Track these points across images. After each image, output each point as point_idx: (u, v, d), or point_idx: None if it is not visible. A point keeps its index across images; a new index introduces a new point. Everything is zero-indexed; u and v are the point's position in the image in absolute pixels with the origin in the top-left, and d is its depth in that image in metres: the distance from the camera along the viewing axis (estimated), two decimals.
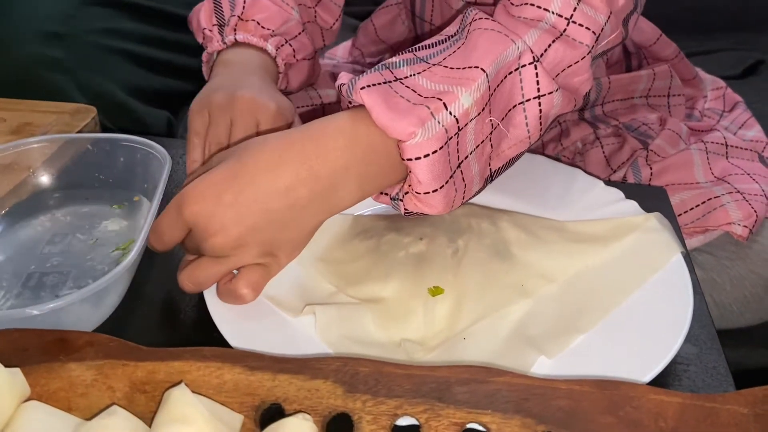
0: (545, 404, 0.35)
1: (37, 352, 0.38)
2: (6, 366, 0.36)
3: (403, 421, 0.36)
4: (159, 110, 1.03)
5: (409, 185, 0.44)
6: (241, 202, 0.43)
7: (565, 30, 0.46)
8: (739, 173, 0.75)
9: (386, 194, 0.47)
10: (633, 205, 0.56)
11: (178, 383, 0.36)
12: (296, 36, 0.64)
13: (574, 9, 0.46)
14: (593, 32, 0.46)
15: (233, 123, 0.53)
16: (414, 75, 0.44)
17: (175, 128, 1.05)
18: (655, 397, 0.35)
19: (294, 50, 0.64)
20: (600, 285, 0.49)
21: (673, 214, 0.60)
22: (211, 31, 0.62)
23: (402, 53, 0.46)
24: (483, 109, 0.44)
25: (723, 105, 0.90)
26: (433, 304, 0.47)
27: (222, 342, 0.43)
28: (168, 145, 0.56)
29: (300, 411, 0.36)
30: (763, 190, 0.73)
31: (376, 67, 0.45)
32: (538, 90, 0.45)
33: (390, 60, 0.45)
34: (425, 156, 0.42)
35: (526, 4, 0.46)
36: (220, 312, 0.46)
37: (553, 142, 0.83)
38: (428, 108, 0.42)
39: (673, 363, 0.44)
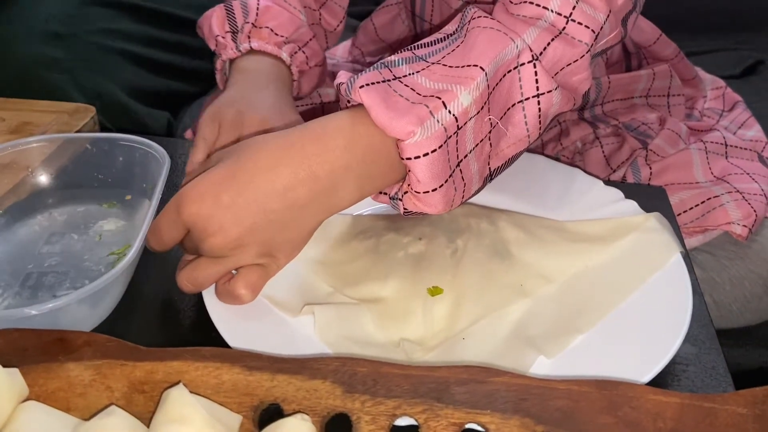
0: (544, 404, 0.35)
1: (35, 352, 0.38)
2: (4, 366, 0.35)
3: (402, 422, 0.36)
4: (159, 111, 1.03)
5: (409, 184, 0.44)
6: (239, 202, 0.43)
7: (564, 28, 0.46)
8: (739, 173, 0.75)
9: (385, 194, 0.46)
10: (632, 204, 0.56)
11: (177, 383, 0.36)
12: (308, 42, 0.65)
13: (573, 7, 0.46)
14: (592, 31, 0.46)
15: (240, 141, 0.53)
16: (413, 74, 0.44)
17: (175, 129, 1.05)
18: (653, 397, 0.35)
19: (307, 57, 0.64)
20: (599, 285, 0.49)
21: (672, 213, 0.60)
22: (224, 38, 0.62)
23: (401, 52, 0.46)
24: (482, 107, 0.44)
25: (722, 105, 0.90)
26: (432, 304, 0.47)
27: (220, 342, 0.43)
28: (167, 145, 0.56)
29: (299, 411, 0.36)
30: (762, 190, 0.73)
31: (375, 65, 0.45)
32: (537, 88, 0.45)
33: (389, 58, 0.45)
34: (424, 155, 0.42)
35: (525, 2, 0.46)
36: (218, 312, 0.46)
37: (553, 142, 0.83)
38: (427, 107, 0.42)
39: (672, 363, 0.44)
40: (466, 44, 0.45)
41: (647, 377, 0.41)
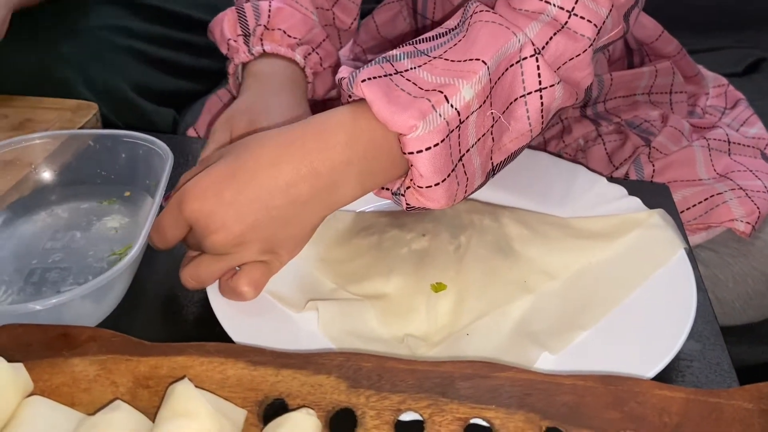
0: (549, 399, 0.35)
1: (40, 347, 0.38)
2: (9, 361, 0.35)
3: (407, 417, 0.35)
4: (165, 108, 1.03)
5: (411, 179, 0.44)
6: (241, 199, 0.43)
7: (566, 22, 0.46)
8: (742, 170, 0.75)
9: (388, 189, 0.46)
10: (636, 201, 0.55)
11: (182, 378, 0.36)
12: (321, 43, 0.64)
13: (576, 1, 0.46)
14: (595, 25, 0.46)
15: None
16: (415, 68, 0.44)
17: (180, 126, 1.05)
18: (659, 392, 0.35)
19: (321, 58, 0.64)
20: (603, 281, 0.49)
21: (675, 210, 0.60)
22: (236, 41, 0.61)
23: (402, 46, 0.45)
24: (484, 101, 0.44)
25: (725, 102, 0.90)
26: (436, 300, 0.47)
27: (224, 337, 0.43)
28: (171, 142, 0.56)
29: (303, 406, 0.36)
30: (765, 187, 0.73)
31: (377, 59, 0.44)
32: (540, 83, 0.45)
33: (390, 53, 0.45)
34: (426, 149, 0.42)
35: None
36: (222, 308, 0.46)
37: (555, 139, 0.83)
38: (429, 101, 0.41)
39: (677, 359, 0.43)
40: (468, 38, 0.45)
41: (652, 373, 0.41)
